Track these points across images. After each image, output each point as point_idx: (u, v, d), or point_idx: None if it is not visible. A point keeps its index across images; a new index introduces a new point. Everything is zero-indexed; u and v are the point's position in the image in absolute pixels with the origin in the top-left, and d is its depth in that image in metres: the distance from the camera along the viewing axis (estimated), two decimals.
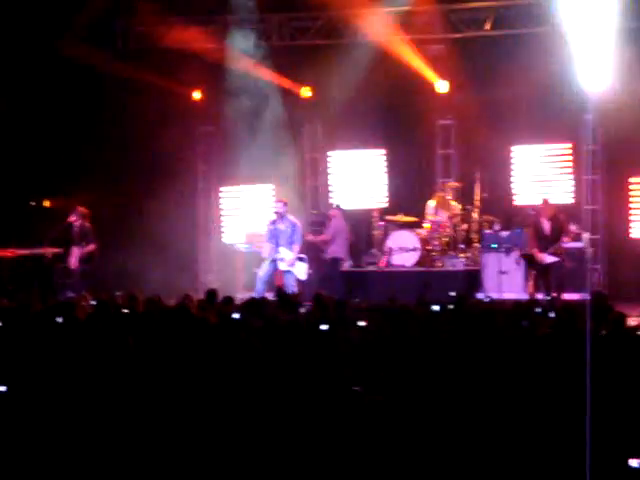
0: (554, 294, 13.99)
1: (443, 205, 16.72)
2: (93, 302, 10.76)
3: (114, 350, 7.33)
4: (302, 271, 14.64)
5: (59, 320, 8.85)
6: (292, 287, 14.21)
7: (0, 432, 5.97)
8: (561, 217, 14.54)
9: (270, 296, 11.99)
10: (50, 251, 15.66)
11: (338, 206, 16.71)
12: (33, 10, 17.01)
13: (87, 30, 17.15)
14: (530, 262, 14.65)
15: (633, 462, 4.78)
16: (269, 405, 5.90)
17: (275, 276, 14.93)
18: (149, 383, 6.56)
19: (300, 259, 14.68)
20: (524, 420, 5.72)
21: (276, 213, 14.85)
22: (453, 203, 16.82)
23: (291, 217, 14.84)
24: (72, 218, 15.40)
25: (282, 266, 14.59)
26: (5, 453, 5.73)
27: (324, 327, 7.98)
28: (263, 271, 14.72)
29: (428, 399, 5.99)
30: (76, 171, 17.65)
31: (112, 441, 5.77)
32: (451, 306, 9.67)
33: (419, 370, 6.59)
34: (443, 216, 16.63)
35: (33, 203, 17.59)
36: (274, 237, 14.65)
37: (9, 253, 15.90)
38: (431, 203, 16.77)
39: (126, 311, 9.90)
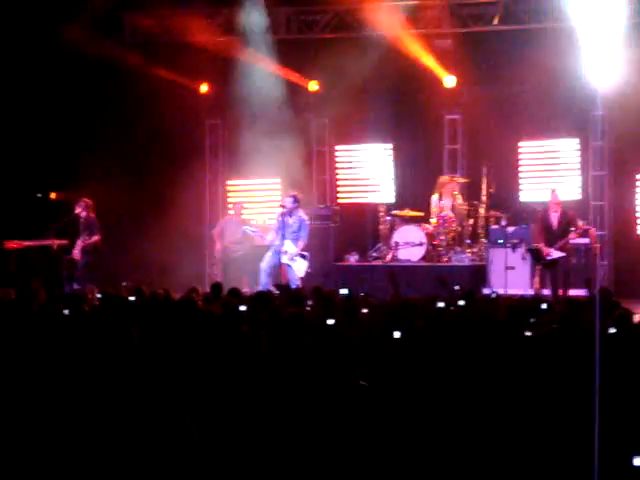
0: (560, 290, 13.98)
1: (446, 194, 16.71)
2: (98, 295, 10.79)
3: (119, 342, 7.33)
4: (301, 268, 14.63)
5: (65, 312, 8.85)
6: (295, 281, 14.22)
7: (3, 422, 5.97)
8: (570, 212, 14.54)
9: (274, 289, 12.02)
10: (56, 243, 15.68)
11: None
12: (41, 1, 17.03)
13: (95, 22, 17.16)
14: (536, 257, 14.63)
15: (638, 460, 4.77)
16: (274, 398, 5.90)
17: (280, 271, 14.97)
18: (154, 375, 6.56)
19: (302, 256, 14.68)
20: (530, 416, 5.71)
21: (283, 206, 14.87)
22: (458, 197, 16.80)
23: (301, 213, 14.84)
24: (78, 210, 15.43)
25: (284, 259, 14.60)
26: (7, 446, 5.74)
27: (331, 322, 7.97)
28: (266, 263, 14.73)
29: (435, 394, 5.98)
30: (82, 163, 17.64)
31: (116, 433, 5.77)
32: (461, 302, 9.66)
33: (426, 365, 6.58)
34: (448, 205, 16.60)
35: (39, 195, 17.60)
36: (281, 229, 14.68)
37: (15, 245, 15.92)
38: (435, 196, 16.78)
39: (132, 299, 9.90)
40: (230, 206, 18.16)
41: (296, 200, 14.85)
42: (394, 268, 14.50)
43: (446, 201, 16.71)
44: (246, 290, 14.34)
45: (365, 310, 9.23)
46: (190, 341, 7.37)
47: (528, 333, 7.63)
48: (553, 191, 14.68)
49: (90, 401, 6.17)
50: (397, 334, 7.27)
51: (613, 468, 4.90)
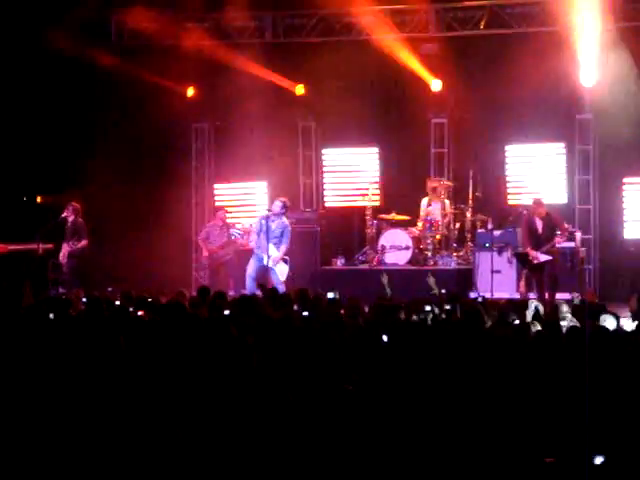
0: (546, 294, 14.01)
1: (435, 198, 16.74)
2: (84, 299, 10.76)
3: (106, 347, 7.32)
4: (282, 272, 14.65)
5: (51, 316, 8.83)
6: (280, 285, 14.22)
7: None
8: (554, 215, 14.55)
9: (259, 293, 12.03)
10: (42, 246, 15.64)
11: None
12: (27, 3, 16.99)
13: (82, 25, 17.12)
14: (522, 261, 14.66)
15: (598, 459, 4.82)
16: (262, 402, 5.89)
17: (265, 275, 14.97)
18: (141, 379, 6.55)
19: (284, 261, 14.71)
20: (518, 421, 5.72)
21: (269, 210, 14.88)
22: (445, 200, 16.84)
23: (284, 219, 14.81)
24: (66, 213, 15.39)
25: (269, 262, 14.55)
26: None
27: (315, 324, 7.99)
28: (251, 268, 14.74)
29: (422, 397, 5.99)
30: (69, 167, 17.63)
31: (104, 438, 5.75)
32: (447, 306, 9.68)
33: (413, 368, 6.59)
34: (436, 209, 16.63)
35: (25, 198, 17.55)
36: (263, 232, 14.60)
37: (1, 248, 15.88)
38: (424, 200, 16.82)
39: (118, 303, 9.89)
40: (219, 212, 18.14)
41: (285, 206, 14.81)
42: (386, 272, 14.48)
43: (435, 205, 16.75)
44: (231, 293, 14.34)
45: (351, 313, 9.24)
46: (178, 344, 7.36)
47: (514, 336, 7.65)
48: (535, 200, 14.69)
49: (77, 404, 6.16)
50: (385, 338, 7.28)
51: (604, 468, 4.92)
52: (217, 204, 18.59)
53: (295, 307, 10.05)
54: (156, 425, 5.85)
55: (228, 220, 17.16)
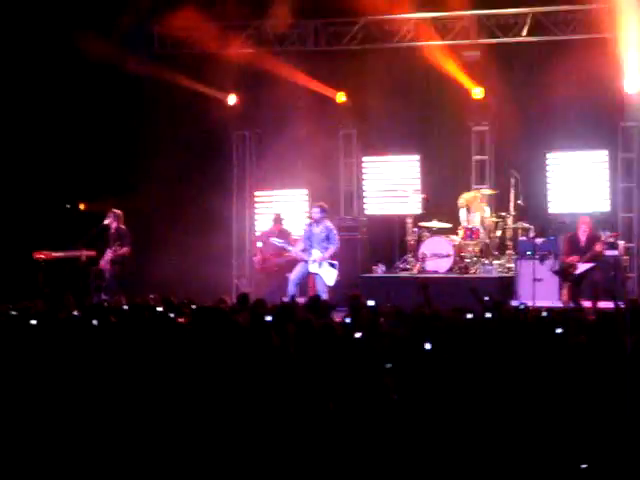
0: (589, 302, 13.91)
1: (474, 206, 16.68)
2: (126, 306, 10.82)
3: (147, 352, 7.36)
4: (331, 276, 14.68)
5: (94, 323, 8.89)
6: (324, 293, 14.24)
7: (32, 431, 6.01)
8: (598, 235, 14.66)
9: (301, 300, 12.03)
10: (85, 253, 15.76)
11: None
12: (71, 13, 17.15)
13: (125, 34, 17.25)
14: (564, 276, 14.64)
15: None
16: (302, 410, 5.89)
17: (309, 282, 15.00)
18: (182, 386, 6.57)
19: (331, 265, 14.73)
20: (558, 427, 5.68)
21: (311, 217, 15.01)
22: (486, 208, 16.78)
23: (328, 222, 14.96)
24: (108, 220, 15.49)
25: (312, 267, 14.67)
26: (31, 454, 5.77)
27: (358, 335, 7.96)
28: (295, 274, 14.83)
29: (464, 407, 5.96)
30: (111, 175, 17.76)
31: (147, 442, 5.78)
32: (488, 314, 9.62)
33: (454, 377, 6.56)
34: (475, 217, 16.57)
35: (68, 206, 17.69)
36: (308, 239, 14.82)
37: (44, 255, 16.01)
38: (463, 210, 16.76)
39: (159, 310, 9.94)
40: (261, 216, 18.17)
41: (323, 210, 14.98)
42: (427, 280, 14.44)
43: (474, 214, 16.67)
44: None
45: (391, 321, 9.22)
46: (218, 352, 7.37)
47: (557, 345, 7.59)
48: (584, 217, 14.85)
49: (120, 408, 6.19)
50: (428, 346, 7.24)
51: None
52: (257, 211, 18.65)
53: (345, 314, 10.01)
54: (198, 430, 5.87)
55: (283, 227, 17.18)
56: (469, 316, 9.12)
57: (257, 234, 17.89)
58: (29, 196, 17.48)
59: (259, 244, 17.03)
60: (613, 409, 5.70)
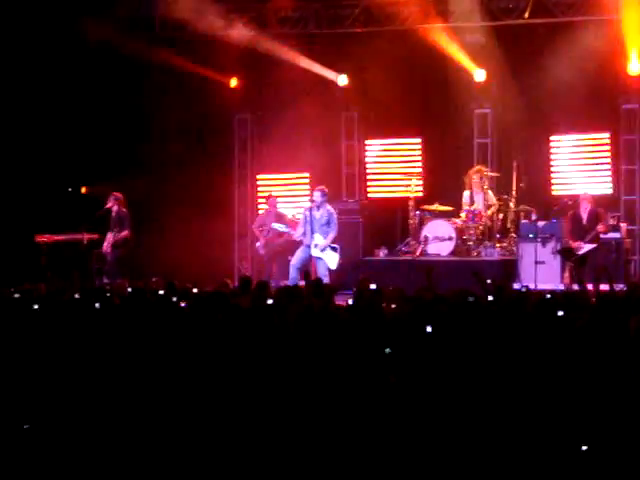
0: (591, 285, 13.89)
1: (477, 188, 16.65)
2: (130, 289, 10.83)
3: (150, 335, 7.37)
4: (333, 260, 14.66)
5: (97, 305, 8.90)
6: (325, 277, 14.23)
7: (33, 417, 6.02)
8: (599, 210, 14.54)
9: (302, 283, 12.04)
10: (86, 237, 15.77)
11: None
12: None
13: (126, 17, 17.21)
14: (567, 256, 14.60)
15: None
16: (304, 390, 5.90)
17: (310, 266, 14.99)
18: (183, 368, 6.58)
19: (333, 248, 14.72)
20: (562, 413, 5.69)
21: (312, 201, 14.97)
22: (489, 191, 16.76)
23: (329, 206, 14.93)
24: (109, 204, 15.50)
25: (314, 252, 14.66)
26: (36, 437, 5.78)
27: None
28: (296, 258, 14.81)
29: (465, 390, 5.96)
30: (113, 158, 17.74)
31: (149, 425, 5.79)
32: (490, 297, 9.62)
33: (455, 360, 6.56)
34: (479, 199, 16.54)
35: (70, 189, 17.69)
36: (309, 223, 14.74)
37: (46, 239, 16.02)
38: (466, 192, 16.74)
39: (161, 293, 9.94)
40: (263, 200, 18.15)
41: (324, 194, 14.93)
42: (431, 263, 14.44)
43: (478, 196, 16.65)
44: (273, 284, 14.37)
45: (394, 305, 9.22)
46: (220, 335, 7.38)
47: (559, 327, 7.59)
48: (585, 193, 14.75)
49: (120, 392, 6.20)
50: (429, 329, 7.24)
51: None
52: (259, 194, 18.64)
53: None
54: (200, 413, 5.88)
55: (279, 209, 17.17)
56: (471, 299, 9.12)
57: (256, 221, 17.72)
58: (31, 179, 17.47)
59: (258, 228, 16.98)
60: (615, 391, 5.70)
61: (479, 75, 17.30)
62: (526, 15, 16.83)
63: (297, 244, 15.18)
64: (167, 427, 5.79)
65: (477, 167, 16.95)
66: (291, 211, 17.57)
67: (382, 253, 17.08)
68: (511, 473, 5.26)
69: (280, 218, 16.57)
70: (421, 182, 17.59)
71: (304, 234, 14.78)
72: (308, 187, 17.97)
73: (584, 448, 4.93)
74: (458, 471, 5.27)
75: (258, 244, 16.94)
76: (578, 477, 5.19)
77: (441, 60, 16.99)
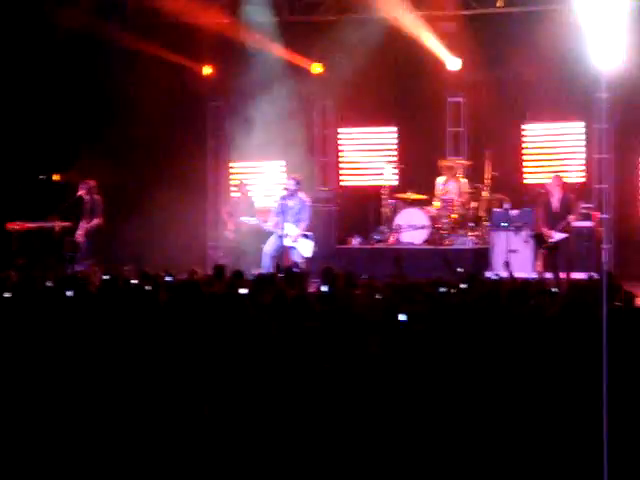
0: (562, 273, 13.97)
1: (452, 177, 16.70)
2: (105, 276, 10.78)
3: (124, 324, 7.34)
4: (307, 248, 14.66)
5: (69, 294, 8.85)
6: (300, 265, 14.22)
7: (6, 402, 5.99)
8: (571, 196, 14.53)
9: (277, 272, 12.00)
10: (59, 224, 15.69)
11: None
12: None
13: (97, 3, 17.11)
14: (539, 241, 14.63)
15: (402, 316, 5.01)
16: (281, 380, 5.90)
17: (284, 254, 14.98)
18: (158, 357, 6.57)
19: (306, 236, 14.71)
20: (534, 401, 5.71)
21: (286, 189, 14.95)
22: (462, 180, 16.80)
23: (302, 195, 14.91)
24: (82, 191, 15.43)
25: (286, 242, 14.66)
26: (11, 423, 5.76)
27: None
28: (269, 246, 14.77)
29: (438, 379, 5.98)
30: (85, 145, 17.62)
31: (121, 415, 5.78)
32: (463, 285, 9.65)
33: (428, 348, 6.58)
34: (453, 188, 16.58)
35: (42, 177, 17.58)
36: (282, 212, 14.75)
37: (17, 226, 15.92)
38: (440, 179, 16.78)
39: (134, 282, 9.91)
40: (234, 188, 18.10)
41: (298, 182, 14.94)
42: (399, 251, 14.48)
43: (451, 184, 16.70)
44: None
45: (367, 292, 9.23)
46: (193, 323, 7.37)
47: (531, 315, 7.62)
48: (556, 177, 14.69)
49: (94, 381, 6.19)
50: (402, 317, 7.26)
51: (624, 452, 4.91)
52: (232, 182, 18.60)
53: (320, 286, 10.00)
54: (174, 402, 5.87)
55: (250, 194, 17.14)
56: (442, 289, 9.15)
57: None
58: (2, 167, 17.35)
59: (227, 211, 16.95)
60: (587, 379, 5.74)
61: (452, 64, 17.31)
62: (499, 4, 16.87)
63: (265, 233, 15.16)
64: (142, 416, 5.78)
65: (449, 159, 17.00)
66: (265, 200, 17.53)
67: (355, 242, 17.09)
68: (483, 462, 5.28)
69: (250, 206, 16.54)
70: (396, 170, 17.62)
71: (277, 224, 14.75)
72: (283, 175, 17.95)
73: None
74: (431, 460, 5.30)
75: (226, 232, 16.89)
76: (552, 462, 5.22)
77: (415, 49, 17.00)
